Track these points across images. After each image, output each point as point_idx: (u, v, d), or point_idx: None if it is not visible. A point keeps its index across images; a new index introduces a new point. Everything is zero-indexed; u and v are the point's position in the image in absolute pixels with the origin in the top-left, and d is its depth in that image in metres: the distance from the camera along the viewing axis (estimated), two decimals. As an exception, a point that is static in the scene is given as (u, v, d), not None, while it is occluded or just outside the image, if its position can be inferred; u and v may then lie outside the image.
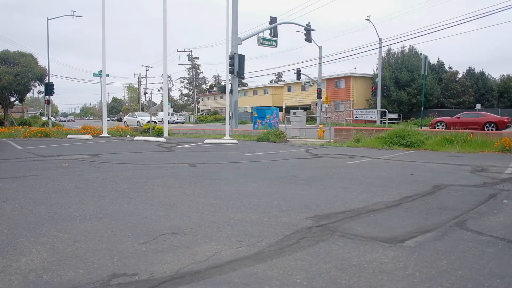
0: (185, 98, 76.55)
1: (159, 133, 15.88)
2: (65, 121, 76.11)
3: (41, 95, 41.89)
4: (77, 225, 2.90)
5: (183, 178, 5.14)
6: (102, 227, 2.85)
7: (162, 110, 31.37)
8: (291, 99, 47.40)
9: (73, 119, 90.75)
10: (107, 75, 18.56)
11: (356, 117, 35.56)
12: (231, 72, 17.80)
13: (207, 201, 3.74)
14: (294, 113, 18.69)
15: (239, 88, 37.64)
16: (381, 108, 33.12)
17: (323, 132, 15.38)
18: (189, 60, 57.84)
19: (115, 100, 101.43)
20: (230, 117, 15.53)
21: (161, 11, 15.20)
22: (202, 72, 77.96)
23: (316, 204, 3.64)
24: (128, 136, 16.59)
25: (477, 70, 41.34)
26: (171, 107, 59.16)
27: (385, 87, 35.19)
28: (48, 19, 28.84)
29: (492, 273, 2.08)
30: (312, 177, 5.37)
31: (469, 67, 41.68)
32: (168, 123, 16.51)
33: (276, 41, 21.93)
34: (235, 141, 13.38)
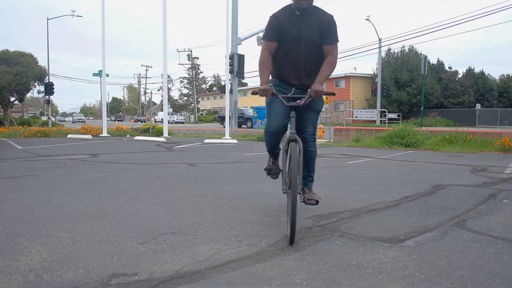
0: (185, 98, 76.57)
1: (159, 133, 15.88)
2: (64, 120, 63.80)
3: (41, 95, 41.69)
4: (77, 225, 2.90)
5: (183, 178, 5.15)
6: (102, 227, 2.85)
7: (162, 110, 31.44)
8: (291, 99, 47.36)
9: (83, 118, 63.78)
10: (107, 75, 18.56)
11: (356, 117, 35.58)
12: (231, 72, 17.80)
13: (207, 201, 3.74)
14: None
15: (239, 88, 37.62)
16: (381, 108, 33.14)
17: (323, 132, 15.37)
18: (189, 60, 57.86)
19: (115, 100, 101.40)
20: (230, 117, 15.53)
21: (161, 11, 15.20)
22: (202, 72, 78.00)
23: (316, 204, 3.64)
24: (128, 136, 16.58)
25: (477, 70, 41.34)
26: (171, 107, 59.16)
27: (385, 87, 35.19)
28: (48, 19, 28.84)
29: (492, 273, 2.08)
30: (312, 177, 5.37)
31: (469, 67, 41.71)
32: (168, 123, 16.51)
33: (276, 41, 21.89)
34: (235, 141, 13.38)
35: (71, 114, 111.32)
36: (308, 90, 2.83)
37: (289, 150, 2.74)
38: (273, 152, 3.28)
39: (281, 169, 3.13)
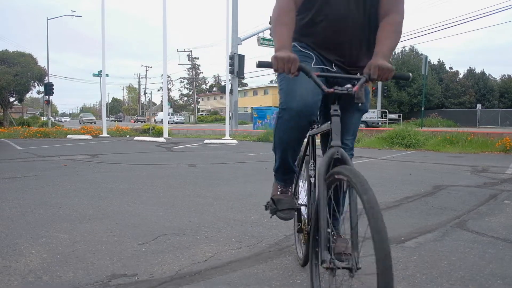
0: (185, 98, 76.53)
1: (159, 134, 15.87)
2: (61, 121, 54.17)
3: (40, 95, 41.56)
4: (76, 225, 2.89)
5: (183, 179, 5.14)
6: (102, 227, 2.84)
7: (161, 110, 31.53)
8: (291, 99, 47.28)
9: (93, 118, 49.53)
10: (107, 75, 18.56)
11: (356, 117, 35.47)
12: (231, 72, 17.80)
13: (207, 202, 3.73)
14: (294, 113, 18.62)
15: (239, 88, 37.63)
16: (381, 108, 33.13)
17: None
18: (189, 60, 57.91)
19: (114, 100, 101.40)
20: (230, 117, 15.53)
21: (161, 11, 15.19)
22: (202, 72, 77.99)
23: (316, 205, 3.63)
24: (127, 136, 16.58)
25: (477, 70, 41.36)
26: (171, 107, 59.11)
27: (386, 87, 35.20)
28: (47, 19, 28.83)
29: (493, 273, 2.08)
30: (312, 177, 5.37)
31: (470, 67, 41.77)
32: (168, 123, 16.51)
33: (276, 41, 21.86)
34: (235, 141, 13.38)
35: (70, 115, 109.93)
36: (367, 67, 1.61)
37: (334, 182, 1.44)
38: (287, 166, 1.89)
39: (298, 207, 1.97)
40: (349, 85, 1.49)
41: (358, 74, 1.65)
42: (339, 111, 1.51)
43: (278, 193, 1.96)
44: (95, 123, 40.64)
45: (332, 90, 1.48)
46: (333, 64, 1.80)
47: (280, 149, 1.84)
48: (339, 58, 1.80)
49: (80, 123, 42.19)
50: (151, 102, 66.60)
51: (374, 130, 12.96)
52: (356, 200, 1.32)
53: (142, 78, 70.50)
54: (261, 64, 1.60)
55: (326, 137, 1.82)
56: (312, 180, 1.86)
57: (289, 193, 1.97)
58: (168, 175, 5.48)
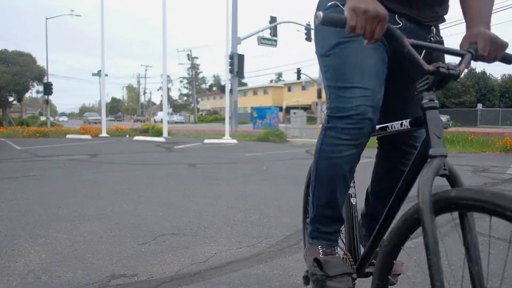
0: (185, 98, 76.53)
1: (159, 133, 15.87)
2: (59, 121, 46.60)
3: (39, 95, 41.55)
4: (76, 225, 2.88)
5: (182, 179, 5.13)
6: (101, 227, 2.83)
7: (161, 110, 31.53)
8: (291, 99, 47.43)
9: (99, 118, 34.06)
10: (106, 75, 18.56)
11: (356, 117, 35.45)
12: (231, 71, 17.80)
13: (206, 202, 3.73)
14: (294, 113, 18.68)
15: (239, 88, 37.60)
16: (381, 108, 33.05)
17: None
18: (188, 59, 57.91)
19: (114, 100, 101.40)
20: (230, 117, 15.52)
21: (161, 10, 15.19)
22: (202, 72, 77.97)
23: (316, 205, 3.62)
24: (127, 136, 16.57)
25: (478, 70, 41.38)
26: (171, 107, 59.08)
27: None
28: (46, 18, 28.81)
29: (494, 274, 2.07)
30: (312, 177, 5.35)
31: (470, 67, 41.75)
32: (168, 123, 16.50)
33: (276, 41, 21.91)
34: (235, 141, 13.37)
35: (69, 114, 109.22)
36: (466, 39, 1.16)
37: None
38: (334, 210, 1.27)
39: (355, 277, 1.27)
40: (454, 64, 1.02)
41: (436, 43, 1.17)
42: (437, 101, 1.01)
43: (320, 253, 1.29)
44: (101, 122, 37.76)
45: (434, 68, 0.96)
46: (396, 16, 1.23)
47: (327, 182, 1.22)
48: (405, 8, 1.23)
49: (85, 123, 39.43)
50: (150, 101, 66.65)
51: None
52: (477, 238, 0.89)
53: (141, 77, 70.63)
54: (327, 21, 0.94)
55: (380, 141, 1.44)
56: (354, 201, 1.43)
57: (337, 255, 1.31)
58: (168, 175, 5.48)
